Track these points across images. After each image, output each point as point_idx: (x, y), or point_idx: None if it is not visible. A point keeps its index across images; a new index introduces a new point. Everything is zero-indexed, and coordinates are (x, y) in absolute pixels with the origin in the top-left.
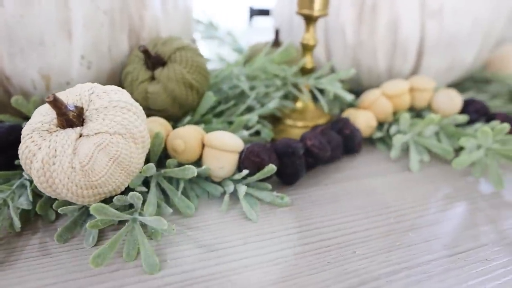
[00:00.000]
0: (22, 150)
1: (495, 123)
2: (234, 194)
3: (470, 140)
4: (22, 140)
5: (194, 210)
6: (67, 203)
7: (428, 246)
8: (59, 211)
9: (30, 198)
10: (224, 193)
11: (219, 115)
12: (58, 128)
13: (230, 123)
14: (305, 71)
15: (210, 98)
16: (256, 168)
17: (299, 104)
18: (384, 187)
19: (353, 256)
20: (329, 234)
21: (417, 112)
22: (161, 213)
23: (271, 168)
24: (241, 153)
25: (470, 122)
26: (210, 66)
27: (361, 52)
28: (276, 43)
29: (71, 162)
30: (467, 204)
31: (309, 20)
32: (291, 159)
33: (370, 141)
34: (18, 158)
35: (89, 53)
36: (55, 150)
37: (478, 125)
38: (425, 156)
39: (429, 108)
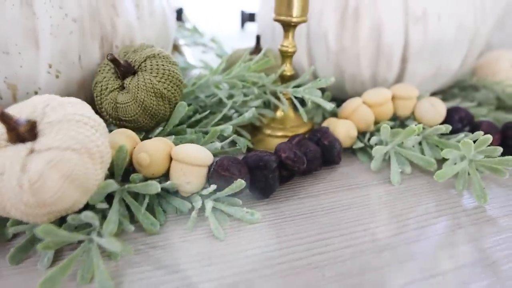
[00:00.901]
0: None
1: (479, 134)
2: (204, 210)
3: (452, 151)
4: None
5: (159, 227)
6: (22, 221)
7: (402, 268)
8: (10, 230)
9: None
10: (192, 208)
11: (194, 125)
12: (9, 143)
13: (206, 133)
14: (284, 79)
15: (183, 108)
16: (225, 182)
17: (279, 113)
18: (363, 201)
19: (321, 279)
20: (299, 253)
21: (400, 121)
22: (122, 231)
23: (240, 183)
24: (210, 167)
25: (455, 131)
26: (196, 72)
27: (344, 58)
28: (257, 49)
29: (19, 180)
30: (448, 219)
31: (288, 27)
32: (263, 172)
33: (351, 151)
34: None
35: (58, 62)
36: (4, 167)
37: (462, 135)
38: (407, 168)
39: (413, 116)
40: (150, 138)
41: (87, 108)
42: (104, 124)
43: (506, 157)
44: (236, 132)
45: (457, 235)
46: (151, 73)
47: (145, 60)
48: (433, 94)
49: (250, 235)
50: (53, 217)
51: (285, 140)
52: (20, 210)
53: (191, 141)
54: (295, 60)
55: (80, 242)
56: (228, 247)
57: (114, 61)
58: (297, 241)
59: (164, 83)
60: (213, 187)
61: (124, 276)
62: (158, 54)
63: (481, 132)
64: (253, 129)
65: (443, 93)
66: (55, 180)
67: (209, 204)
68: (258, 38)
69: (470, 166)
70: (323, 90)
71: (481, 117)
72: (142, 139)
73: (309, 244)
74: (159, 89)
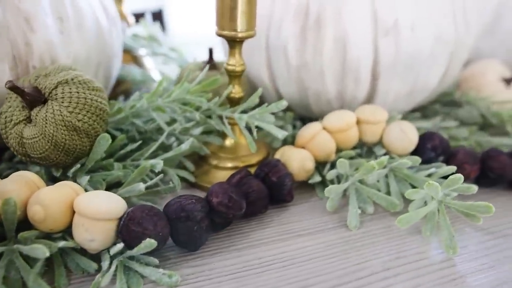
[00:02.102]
0: None
1: (451, 168)
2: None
3: (419, 192)
4: None
5: None
6: None
7: None
8: None
9: None
10: (99, 269)
11: (126, 157)
12: None
13: (135, 168)
14: (233, 102)
15: (105, 141)
16: (138, 239)
17: (228, 141)
18: (311, 252)
19: None
20: None
21: (368, 148)
22: None
23: (150, 243)
24: (121, 219)
25: (428, 161)
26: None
27: (306, 74)
28: (211, 64)
29: None
30: (406, 279)
31: (233, 42)
32: (186, 224)
33: (310, 184)
34: None
35: None
36: None
37: (432, 169)
38: (369, 207)
39: (382, 143)
40: (62, 179)
41: None
42: None
43: (479, 203)
44: (182, 164)
45: None
46: (62, 102)
47: (56, 87)
48: (412, 111)
49: None
50: None
51: (234, 171)
52: None
53: (116, 179)
54: (256, 76)
55: None
56: None
57: (14, 89)
58: None
59: (79, 113)
60: (119, 246)
61: None
62: (72, 79)
63: (453, 168)
64: (199, 159)
65: (423, 110)
66: None
67: (114, 265)
68: (210, 51)
69: (440, 208)
70: (286, 109)
71: (462, 140)
72: (57, 180)
73: None
74: (71, 122)
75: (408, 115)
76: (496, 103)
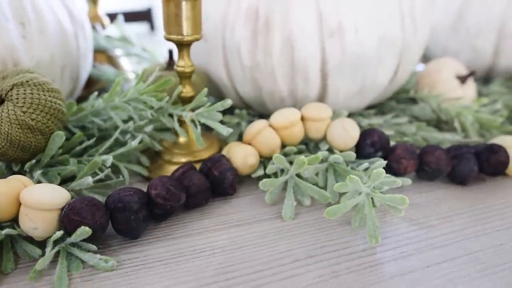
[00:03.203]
0: None
1: (381, 163)
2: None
3: (348, 185)
4: None
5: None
6: None
7: None
8: None
9: None
10: (42, 255)
11: (83, 153)
12: None
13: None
14: (185, 101)
15: (59, 139)
16: (76, 227)
17: (182, 138)
18: (243, 241)
19: None
20: None
21: (315, 144)
22: None
23: (84, 230)
24: (62, 209)
25: (367, 156)
26: None
27: (259, 74)
28: (170, 65)
29: None
30: (327, 265)
31: (181, 46)
32: (124, 215)
33: (257, 178)
34: None
35: None
36: None
37: (365, 164)
38: (306, 200)
39: (325, 139)
40: (22, 173)
41: None
42: None
43: (396, 196)
44: (137, 159)
45: (328, 285)
46: (17, 103)
47: (11, 89)
48: (369, 108)
49: (100, 285)
50: None
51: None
52: None
53: (71, 174)
54: (216, 75)
55: None
56: None
57: None
58: None
59: (32, 113)
60: (59, 233)
61: None
62: (27, 82)
63: (383, 162)
64: (155, 154)
65: (381, 106)
66: None
67: (54, 250)
68: (170, 52)
69: (367, 200)
70: (246, 107)
71: (410, 135)
72: (15, 173)
73: None
74: (24, 121)
75: (363, 112)
76: (450, 100)
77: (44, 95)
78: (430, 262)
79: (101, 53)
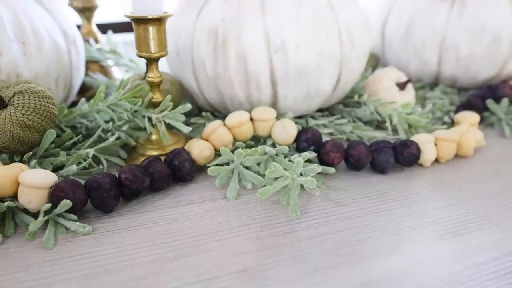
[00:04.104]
0: None
1: (306, 155)
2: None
3: (275, 171)
4: None
5: (1, 239)
6: None
7: (180, 273)
8: None
9: None
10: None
11: (72, 147)
12: None
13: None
14: (155, 105)
15: (50, 136)
16: (60, 201)
17: (153, 135)
18: (190, 215)
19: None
20: (109, 260)
21: (263, 141)
22: None
23: (66, 203)
24: (51, 188)
25: (302, 150)
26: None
27: (220, 83)
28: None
29: None
30: (254, 231)
31: (150, 61)
32: (98, 192)
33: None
34: None
35: None
36: None
37: (296, 155)
38: (248, 184)
39: (271, 136)
40: (17, 161)
41: None
42: None
43: (308, 178)
44: (117, 153)
45: (250, 244)
46: (17, 107)
47: (13, 96)
48: (320, 110)
49: (76, 245)
50: None
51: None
52: None
53: (61, 164)
54: (187, 84)
55: None
56: (50, 255)
57: None
58: (113, 250)
59: (30, 115)
60: (47, 205)
61: None
62: (26, 90)
63: (307, 154)
64: (132, 149)
65: (331, 109)
66: None
67: (43, 218)
68: (147, 65)
69: (292, 183)
70: (212, 110)
71: (348, 133)
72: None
73: (119, 253)
74: (23, 121)
75: (314, 114)
76: (387, 104)
77: (40, 101)
78: (334, 230)
79: (94, 64)
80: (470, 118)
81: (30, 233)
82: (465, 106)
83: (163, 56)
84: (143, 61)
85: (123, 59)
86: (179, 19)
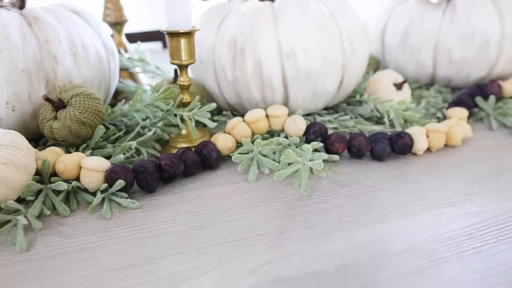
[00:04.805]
0: None
1: (314, 144)
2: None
3: (289, 157)
4: None
5: (69, 212)
6: None
7: (213, 236)
8: None
9: None
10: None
11: (116, 141)
12: None
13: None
14: (185, 105)
15: (101, 131)
16: (114, 182)
17: (183, 130)
18: (217, 194)
19: (160, 244)
20: (156, 230)
21: (278, 134)
22: (43, 213)
23: (120, 182)
24: (106, 171)
25: (310, 141)
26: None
27: (239, 86)
28: (175, 80)
29: None
30: (271, 207)
31: (181, 67)
32: (144, 175)
33: None
34: None
35: (13, 100)
36: None
37: (307, 145)
38: (266, 169)
39: (283, 130)
40: (74, 152)
41: (15, 136)
42: (29, 147)
43: (316, 162)
44: (152, 145)
45: (269, 216)
46: (75, 107)
47: (71, 98)
48: (326, 109)
49: (127, 217)
50: None
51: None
52: None
53: (109, 154)
54: (210, 87)
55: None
56: (110, 223)
57: (48, 100)
58: (157, 219)
59: (85, 113)
60: (104, 185)
61: (36, 241)
62: (81, 93)
63: (316, 143)
64: (165, 142)
65: (336, 107)
66: None
67: (100, 197)
68: (175, 71)
69: (302, 167)
70: (231, 109)
71: (350, 127)
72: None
73: (162, 222)
74: (80, 118)
75: (321, 112)
76: (385, 102)
77: (92, 102)
78: (338, 204)
79: (124, 71)
80: (459, 113)
81: (92, 207)
82: (456, 103)
83: (192, 63)
84: (168, 68)
85: (150, 66)
86: (202, 32)
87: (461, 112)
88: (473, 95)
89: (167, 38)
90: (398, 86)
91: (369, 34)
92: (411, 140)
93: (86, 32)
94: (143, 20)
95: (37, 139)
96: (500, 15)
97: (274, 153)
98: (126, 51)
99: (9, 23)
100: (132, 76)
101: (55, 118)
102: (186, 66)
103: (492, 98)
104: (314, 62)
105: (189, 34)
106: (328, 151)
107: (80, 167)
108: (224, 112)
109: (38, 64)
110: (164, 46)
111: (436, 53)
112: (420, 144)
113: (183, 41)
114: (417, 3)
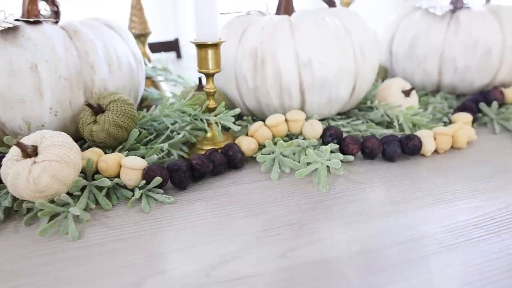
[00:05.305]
0: (1, 171)
1: (331, 146)
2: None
3: (309, 157)
4: (2, 165)
5: (111, 206)
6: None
7: (243, 227)
8: (24, 206)
9: (10, 200)
10: (133, 195)
11: (147, 143)
12: (22, 158)
13: (152, 149)
14: (210, 110)
15: (135, 134)
16: (152, 179)
17: (208, 133)
18: (245, 190)
19: (212, 230)
20: (192, 222)
21: (296, 137)
22: (88, 207)
23: (158, 179)
24: (144, 170)
25: (327, 143)
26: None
27: (259, 93)
28: (200, 87)
29: (27, 178)
30: (293, 201)
31: (207, 75)
32: (177, 173)
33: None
34: None
35: (56, 106)
36: (19, 171)
37: (326, 147)
38: (286, 169)
39: (301, 133)
40: (110, 153)
41: (65, 137)
42: (77, 147)
43: (334, 161)
44: (180, 147)
45: (290, 211)
46: (113, 112)
47: (109, 103)
48: (339, 114)
49: (163, 211)
50: (47, 199)
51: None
52: (28, 194)
53: (142, 155)
54: (231, 94)
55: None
56: (149, 216)
57: (88, 105)
58: (192, 212)
59: (122, 117)
60: (143, 182)
61: (84, 231)
62: (118, 99)
63: (334, 145)
64: (192, 145)
65: (348, 113)
66: (46, 178)
67: (140, 192)
68: (200, 79)
69: (321, 166)
70: (250, 114)
71: (363, 131)
72: (110, 153)
73: (197, 215)
74: (117, 122)
75: (334, 117)
76: (394, 108)
77: (127, 107)
78: (354, 199)
79: (148, 79)
80: (464, 118)
81: (132, 202)
82: (461, 108)
83: (217, 72)
84: (188, 76)
85: (172, 75)
86: (223, 44)
87: (466, 117)
88: (477, 101)
89: (196, 49)
90: (406, 93)
91: (379, 45)
92: (420, 142)
93: (118, 43)
94: (157, 31)
95: (75, 141)
96: (501, 26)
97: (294, 154)
98: (149, 61)
99: (54, 36)
100: (155, 84)
101: (95, 121)
102: (212, 75)
103: (495, 104)
104: (329, 71)
105: (215, 46)
106: (343, 152)
107: (120, 166)
108: (245, 117)
109: (78, 73)
110: (178, 56)
111: (441, 62)
112: (428, 146)
113: (210, 52)
114: (423, 16)
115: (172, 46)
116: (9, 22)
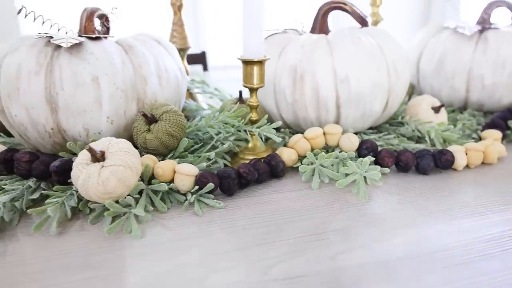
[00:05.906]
0: (73, 174)
1: (369, 159)
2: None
3: (348, 168)
4: (73, 168)
5: (166, 209)
6: (97, 202)
7: (289, 232)
8: (90, 206)
9: (76, 200)
10: (186, 199)
11: (194, 151)
12: (91, 162)
13: (199, 157)
14: (253, 122)
15: (185, 142)
16: (204, 185)
17: (250, 144)
18: (287, 198)
19: (251, 237)
20: (239, 226)
21: (332, 149)
22: (146, 209)
23: (211, 185)
24: (196, 176)
25: (363, 155)
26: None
27: (297, 107)
28: (240, 100)
29: (97, 180)
30: (335, 209)
31: (252, 90)
32: (227, 180)
33: (296, 168)
34: (70, 178)
35: (112, 115)
36: (89, 174)
37: (365, 159)
38: (326, 179)
39: (338, 146)
40: (164, 160)
41: (128, 144)
42: (137, 153)
43: (373, 172)
44: (217, 156)
45: (335, 217)
46: (166, 121)
47: (162, 114)
48: (370, 128)
49: (214, 215)
50: (113, 200)
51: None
52: (97, 196)
53: (190, 162)
54: (269, 108)
55: (125, 213)
56: (202, 219)
57: (144, 115)
58: (240, 216)
59: (173, 127)
60: (196, 187)
61: (146, 230)
62: (170, 110)
63: (371, 158)
64: (234, 154)
65: (379, 127)
66: (113, 181)
67: (193, 197)
68: (240, 92)
69: (359, 178)
70: (287, 127)
71: (395, 145)
72: (160, 160)
73: (247, 219)
74: (170, 131)
75: (366, 131)
76: (425, 123)
77: (178, 117)
78: (390, 209)
79: (186, 91)
80: (494, 134)
81: (185, 205)
82: (490, 125)
83: (261, 87)
84: (226, 89)
85: (210, 88)
86: None
87: (496, 134)
88: (505, 118)
89: (243, 65)
90: (436, 110)
91: (410, 62)
92: (453, 157)
93: (166, 58)
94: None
95: None
96: None
97: (332, 165)
98: (187, 74)
99: (113, 51)
100: (192, 96)
101: (148, 130)
102: (256, 89)
103: None
104: (365, 87)
105: (261, 63)
106: (378, 164)
107: (174, 172)
108: (282, 129)
109: (132, 85)
110: (205, 68)
111: (469, 79)
112: (460, 160)
113: (255, 68)
114: (451, 35)
115: (199, 59)
116: (75, 38)
